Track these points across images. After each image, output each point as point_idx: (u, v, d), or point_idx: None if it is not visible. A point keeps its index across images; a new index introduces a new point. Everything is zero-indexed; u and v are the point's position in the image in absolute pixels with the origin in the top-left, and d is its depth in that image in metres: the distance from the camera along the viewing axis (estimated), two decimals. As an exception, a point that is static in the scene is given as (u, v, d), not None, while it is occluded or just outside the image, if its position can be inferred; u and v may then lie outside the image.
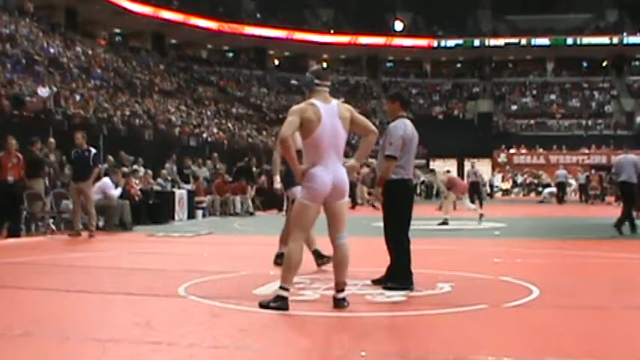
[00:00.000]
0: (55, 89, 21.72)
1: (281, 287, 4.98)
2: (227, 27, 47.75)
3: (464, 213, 17.14)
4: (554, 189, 30.67)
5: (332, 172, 4.98)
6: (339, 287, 5.07)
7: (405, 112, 6.25)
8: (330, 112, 5.02)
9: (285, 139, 4.93)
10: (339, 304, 5.04)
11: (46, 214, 12.67)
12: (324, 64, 54.26)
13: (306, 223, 5.09)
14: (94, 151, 12.17)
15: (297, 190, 6.38)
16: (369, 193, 24.55)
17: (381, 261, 7.91)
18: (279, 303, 4.91)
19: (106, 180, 13.74)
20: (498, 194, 38.43)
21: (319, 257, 7.21)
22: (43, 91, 20.92)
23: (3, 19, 27.68)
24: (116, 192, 13.64)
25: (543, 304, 5.38)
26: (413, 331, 4.49)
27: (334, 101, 5.13)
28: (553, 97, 51.87)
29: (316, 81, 5.15)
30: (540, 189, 34.88)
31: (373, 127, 5.25)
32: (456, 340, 4.18)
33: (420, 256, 8.63)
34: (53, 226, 12.59)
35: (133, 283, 6.60)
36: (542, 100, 51.45)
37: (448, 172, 18.84)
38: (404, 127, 6.03)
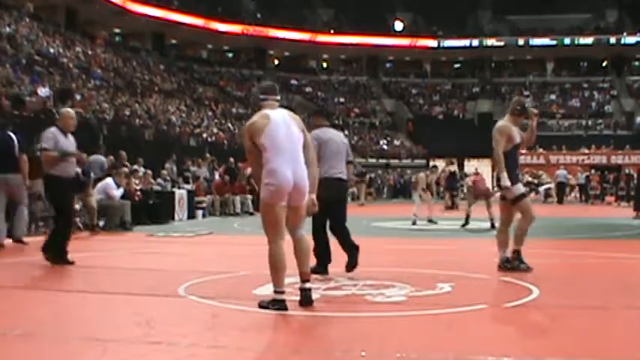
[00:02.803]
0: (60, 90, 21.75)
1: (275, 291, 4.99)
2: (252, 30, 48.04)
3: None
4: (544, 188, 30.64)
5: (292, 168, 4.98)
6: (305, 277, 5.11)
7: (327, 121, 7.28)
8: (281, 114, 5.12)
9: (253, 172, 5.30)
10: (306, 294, 5.06)
11: (46, 214, 12.65)
12: (324, 64, 54.39)
13: (277, 224, 4.99)
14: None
15: (517, 188, 6.98)
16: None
17: (381, 261, 7.91)
18: (277, 306, 4.92)
19: (109, 180, 13.76)
20: (497, 194, 38.40)
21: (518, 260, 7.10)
22: (43, 91, 20.92)
23: (3, 19, 27.68)
24: (118, 192, 13.65)
25: (543, 304, 5.38)
26: (413, 331, 4.49)
27: (283, 110, 5.22)
28: (553, 97, 51.88)
29: (261, 96, 5.25)
30: (540, 189, 34.85)
31: (314, 154, 5.36)
32: (456, 340, 4.18)
33: (420, 256, 8.63)
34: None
35: (133, 283, 6.60)
36: (542, 100, 51.45)
37: (477, 174, 18.49)
38: (319, 132, 6.87)
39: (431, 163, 34.97)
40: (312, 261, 5.79)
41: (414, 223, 14.50)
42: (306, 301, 5.06)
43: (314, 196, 5.23)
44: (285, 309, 4.92)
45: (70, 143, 8.01)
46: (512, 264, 7.01)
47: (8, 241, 10.95)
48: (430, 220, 15.10)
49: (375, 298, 5.50)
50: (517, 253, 7.07)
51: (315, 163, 5.38)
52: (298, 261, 5.11)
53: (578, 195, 31.23)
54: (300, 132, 5.13)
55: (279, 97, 5.33)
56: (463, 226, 14.06)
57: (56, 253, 7.73)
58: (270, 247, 4.99)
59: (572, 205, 27.31)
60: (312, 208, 5.22)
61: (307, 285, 5.10)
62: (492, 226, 13.81)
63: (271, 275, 5.00)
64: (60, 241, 7.83)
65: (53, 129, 8.01)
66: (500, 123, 7.29)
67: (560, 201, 28.21)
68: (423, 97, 52.92)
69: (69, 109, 8.80)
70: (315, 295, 5.49)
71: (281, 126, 5.03)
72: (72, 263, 7.67)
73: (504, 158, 6.99)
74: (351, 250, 6.81)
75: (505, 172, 6.95)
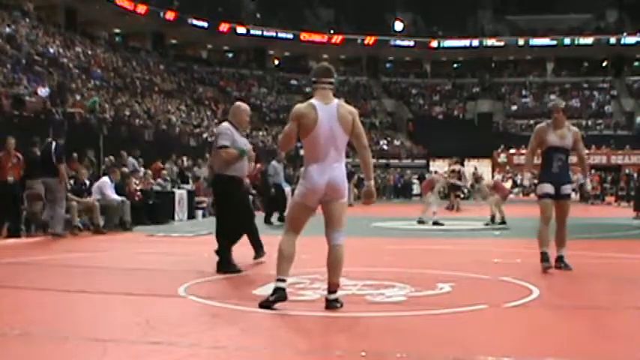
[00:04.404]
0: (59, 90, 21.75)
1: (277, 279, 5.03)
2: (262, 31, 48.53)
3: (469, 213, 17.07)
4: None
5: (328, 172, 4.98)
6: (332, 288, 5.05)
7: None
8: (329, 114, 5.02)
9: (282, 151, 5.19)
10: (331, 305, 5.03)
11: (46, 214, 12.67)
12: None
13: (296, 220, 5.08)
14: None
15: (539, 188, 7.17)
16: None
17: (381, 261, 7.91)
18: (276, 295, 4.96)
19: (105, 179, 13.75)
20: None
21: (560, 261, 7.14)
22: (43, 91, 20.92)
23: (3, 19, 27.68)
24: (113, 193, 13.55)
25: (543, 304, 5.38)
26: (413, 331, 4.48)
27: (335, 102, 5.10)
28: (553, 97, 51.83)
29: (313, 79, 5.19)
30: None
31: (365, 143, 5.19)
32: (456, 340, 4.18)
33: (420, 256, 8.63)
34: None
35: (133, 283, 6.60)
36: (542, 100, 51.44)
37: (474, 174, 18.38)
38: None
39: (432, 169, 35.10)
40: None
41: (436, 223, 14.22)
42: (331, 309, 5.03)
43: (371, 183, 5.20)
44: (284, 298, 4.94)
45: (244, 141, 7.21)
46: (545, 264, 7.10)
47: (8, 241, 10.97)
48: (421, 221, 14.87)
49: (375, 298, 5.49)
50: (543, 254, 7.14)
51: (368, 150, 5.23)
52: (328, 269, 5.07)
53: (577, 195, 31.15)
54: (344, 131, 5.01)
55: (332, 80, 5.20)
56: (500, 223, 14.07)
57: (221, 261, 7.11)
58: (282, 236, 5.10)
59: (572, 205, 27.29)
60: (369, 195, 5.20)
61: (332, 296, 5.04)
62: (493, 220, 13.97)
63: (277, 262, 5.05)
64: (229, 247, 7.23)
65: (227, 124, 7.17)
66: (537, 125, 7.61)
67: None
68: (423, 97, 52.93)
69: (244, 104, 7.66)
70: (315, 296, 5.49)
71: (325, 128, 4.97)
72: (239, 271, 7.06)
73: (542, 159, 7.30)
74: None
75: (527, 172, 7.44)
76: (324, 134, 4.98)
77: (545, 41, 52.27)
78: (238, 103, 7.72)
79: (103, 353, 3.83)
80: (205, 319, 4.76)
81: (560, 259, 7.16)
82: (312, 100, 5.10)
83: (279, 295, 4.95)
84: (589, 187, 7.37)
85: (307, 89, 50.30)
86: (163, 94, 35.07)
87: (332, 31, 52.32)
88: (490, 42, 52.82)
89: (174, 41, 48.15)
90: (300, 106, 5.13)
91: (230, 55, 52.84)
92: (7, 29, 26.56)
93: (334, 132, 4.99)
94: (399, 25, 53.64)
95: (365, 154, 5.19)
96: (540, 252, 7.13)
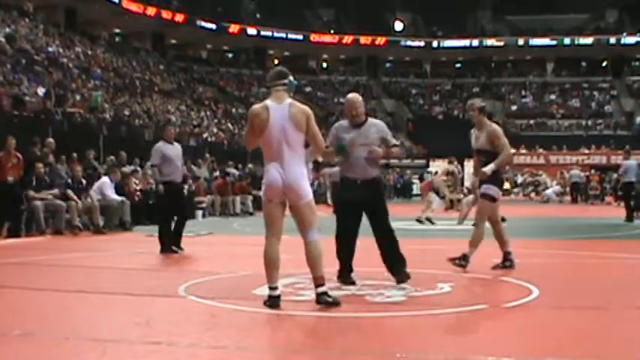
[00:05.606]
0: (56, 90, 21.72)
1: (269, 287, 5.09)
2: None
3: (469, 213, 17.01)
4: (557, 188, 30.55)
5: (286, 171, 5.06)
6: (317, 282, 5.11)
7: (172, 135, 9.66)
8: (280, 113, 5.10)
9: (248, 149, 5.58)
10: (321, 299, 5.06)
11: (47, 214, 12.65)
12: (324, 64, 54.40)
13: (270, 222, 5.15)
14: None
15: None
16: None
17: (381, 261, 7.92)
18: (269, 303, 5.04)
19: (105, 179, 13.75)
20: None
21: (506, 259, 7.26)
22: (43, 91, 20.92)
23: (3, 19, 27.67)
24: (112, 193, 13.55)
25: (543, 304, 5.37)
26: (413, 331, 4.48)
27: (287, 101, 5.16)
28: (553, 97, 51.91)
29: (268, 83, 5.31)
30: (540, 189, 34.79)
31: (322, 146, 5.37)
32: (456, 340, 4.18)
33: (420, 256, 8.62)
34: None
35: (133, 283, 6.60)
36: (542, 100, 51.49)
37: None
38: (161, 144, 9.39)
39: (431, 169, 35.10)
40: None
41: (428, 220, 14.51)
42: (322, 304, 5.06)
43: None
44: (277, 306, 4.99)
45: (352, 136, 6.19)
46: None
47: (8, 241, 10.96)
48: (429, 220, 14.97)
49: (374, 298, 5.49)
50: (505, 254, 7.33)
51: (321, 144, 5.34)
52: (308, 265, 5.15)
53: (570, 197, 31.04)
54: (296, 129, 5.09)
55: (285, 81, 5.23)
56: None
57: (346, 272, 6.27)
58: (265, 244, 5.13)
59: (572, 205, 27.30)
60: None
61: (320, 290, 5.10)
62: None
63: (265, 271, 5.10)
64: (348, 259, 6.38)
65: (339, 122, 6.46)
66: None
67: (575, 200, 28.22)
68: (423, 97, 52.95)
69: (351, 94, 6.60)
70: (314, 296, 5.49)
71: (276, 126, 5.07)
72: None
73: None
74: (175, 237, 9.27)
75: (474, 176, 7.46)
76: (277, 133, 5.07)
77: (545, 41, 52.27)
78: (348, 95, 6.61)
79: (103, 353, 3.83)
80: (205, 319, 4.76)
81: (503, 255, 7.22)
82: (267, 101, 5.21)
83: (272, 303, 5.03)
84: (487, 169, 7.04)
85: (307, 89, 50.33)
86: (163, 94, 35.06)
87: (332, 31, 52.33)
88: (490, 42, 52.82)
89: (174, 41, 48.14)
90: (254, 107, 5.29)
91: (230, 55, 52.84)
92: (7, 29, 26.54)
93: (286, 130, 5.07)
94: (399, 25, 53.65)
95: (316, 151, 5.52)
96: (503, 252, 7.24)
